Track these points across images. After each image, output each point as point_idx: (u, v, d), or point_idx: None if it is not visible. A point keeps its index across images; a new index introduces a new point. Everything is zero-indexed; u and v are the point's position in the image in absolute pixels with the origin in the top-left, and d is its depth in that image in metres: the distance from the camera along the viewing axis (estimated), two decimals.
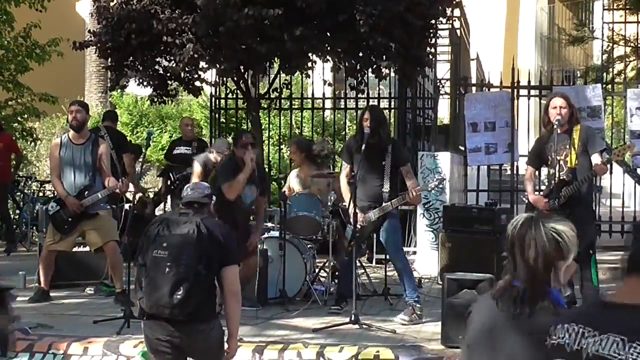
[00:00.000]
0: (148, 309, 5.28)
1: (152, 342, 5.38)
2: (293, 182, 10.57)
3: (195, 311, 5.22)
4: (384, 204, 8.69)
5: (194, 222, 5.32)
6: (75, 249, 10.10)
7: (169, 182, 12.42)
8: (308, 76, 12.77)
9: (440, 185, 9.51)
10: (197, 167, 10.25)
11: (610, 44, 15.50)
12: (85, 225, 9.44)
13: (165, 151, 14.08)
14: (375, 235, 9.56)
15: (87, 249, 9.96)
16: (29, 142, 16.93)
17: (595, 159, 8.27)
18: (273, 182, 15.25)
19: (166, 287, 5.18)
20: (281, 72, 12.75)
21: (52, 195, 16.10)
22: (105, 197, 9.50)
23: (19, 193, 15.32)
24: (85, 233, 9.52)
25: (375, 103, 13.66)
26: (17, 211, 15.26)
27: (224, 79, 13.79)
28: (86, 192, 9.41)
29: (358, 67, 11.76)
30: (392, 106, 14.58)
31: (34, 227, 14.22)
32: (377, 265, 11.48)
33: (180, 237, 5.27)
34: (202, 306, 5.27)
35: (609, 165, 8.56)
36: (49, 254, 9.56)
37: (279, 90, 13.71)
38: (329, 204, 9.84)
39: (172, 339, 5.28)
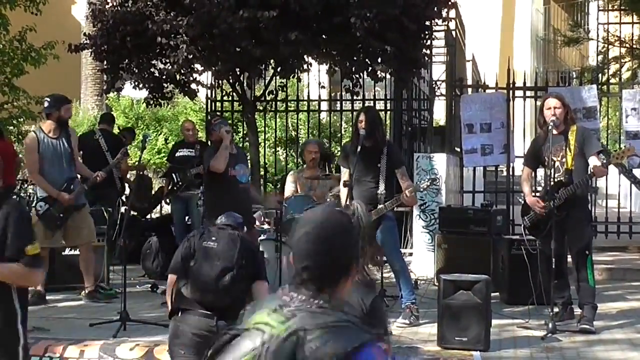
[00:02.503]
0: (192, 293, 5.56)
1: (186, 335, 5.54)
2: (292, 185, 10.57)
3: (231, 305, 5.61)
4: (379, 206, 8.70)
5: (235, 232, 5.93)
6: (71, 252, 10.11)
7: (171, 184, 12.38)
8: (299, 80, 12.79)
9: (433, 185, 9.52)
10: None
11: (606, 45, 15.50)
12: (72, 220, 9.47)
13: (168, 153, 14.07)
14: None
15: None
16: (24, 146, 16.90)
17: (593, 161, 8.27)
18: (269, 184, 15.26)
19: (214, 273, 5.65)
20: (277, 75, 12.76)
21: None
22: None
23: (14, 196, 15.30)
24: (69, 227, 9.53)
25: (371, 105, 13.67)
26: None
27: (220, 81, 13.79)
28: (72, 186, 9.44)
29: (353, 70, 11.76)
30: (388, 108, 14.59)
31: None
32: (374, 267, 11.48)
33: (228, 235, 5.86)
34: (236, 304, 5.62)
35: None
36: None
37: (274, 93, 13.71)
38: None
39: (207, 334, 5.47)
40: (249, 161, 10.67)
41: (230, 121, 15.90)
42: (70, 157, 9.57)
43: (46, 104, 9.79)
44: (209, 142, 13.92)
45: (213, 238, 5.79)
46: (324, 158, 10.98)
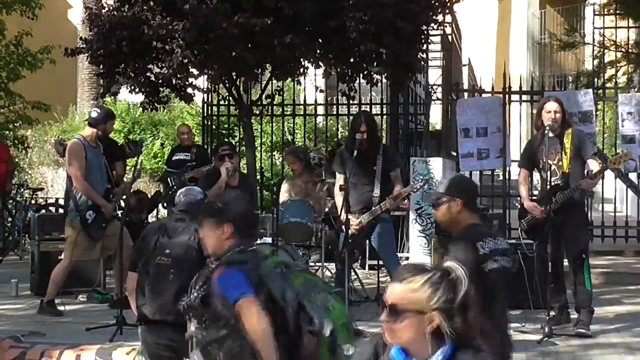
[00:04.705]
0: (151, 315, 5.32)
1: (152, 346, 5.40)
2: (287, 194, 10.57)
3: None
4: (373, 208, 8.71)
5: (192, 229, 5.40)
6: None
7: (166, 188, 12.38)
8: (299, 83, 12.78)
9: (426, 186, 9.52)
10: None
11: (601, 49, 15.52)
12: (108, 229, 9.37)
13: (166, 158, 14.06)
14: (367, 241, 9.58)
15: None
16: (20, 150, 16.90)
17: (593, 165, 8.30)
18: (265, 189, 15.25)
19: (170, 293, 5.26)
20: (273, 79, 12.76)
21: (44, 202, 16.11)
22: None
23: (11, 201, 15.28)
24: (106, 237, 9.41)
25: (368, 109, 13.67)
26: (10, 219, 15.21)
27: (216, 85, 13.80)
28: (111, 196, 9.39)
29: (349, 73, 11.77)
30: (384, 112, 14.60)
31: (26, 235, 14.18)
32: (370, 271, 11.48)
33: (182, 244, 5.39)
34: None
35: (597, 179, 8.58)
36: (71, 263, 9.38)
37: (271, 97, 13.71)
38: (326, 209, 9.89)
39: (171, 344, 5.31)
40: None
41: (226, 125, 15.93)
42: (105, 169, 9.55)
43: (94, 114, 9.61)
44: (205, 146, 13.97)
45: (167, 251, 5.41)
46: (319, 162, 10.97)
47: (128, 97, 17.17)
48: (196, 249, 5.30)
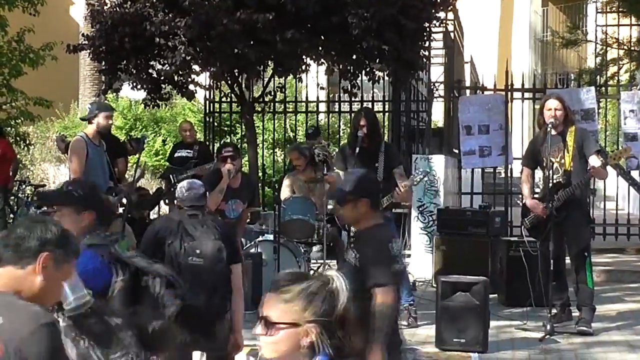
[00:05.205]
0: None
1: None
2: (288, 190, 10.56)
3: (221, 311, 5.63)
4: None
5: (210, 225, 5.65)
6: None
7: (168, 185, 12.36)
8: (301, 80, 12.78)
9: (426, 179, 9.50)
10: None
11: (604, 47, 15.51)
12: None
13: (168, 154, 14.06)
14: None
15: None
16: (22, 147, 16.90)
17: (593, 160, 8.27)
18: (267, 186, 15.25)
19: (204, 293, 5.48)
20: (275, 76, 12.75)
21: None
22: None
23: (12, 197, 15.27)
24: None
25: (370, 106, 13.66)
26: (11, 215, 15.20)
27: (218, 82, 13.79)
28: (114, 194, 9.39)
29: (351, 70, 11.77)
30: (386, 109, 14.58)
31: None
32: None
33: (211, 244, 5.58)
34: (223, 305, 5.67)
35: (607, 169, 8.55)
36: None
37: (273, 94, 13.70)
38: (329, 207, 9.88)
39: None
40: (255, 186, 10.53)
41: (228, 122, 15.92)
42: (108, 166, 9.54)
43: (87, 110, 9.69)
44: (207, 143, 13.97)
45: (197, 252, 5.53)
46: (324, 160, 10.95)
47: (130, 93, 17.16)
48: (222, 247, 5.54)
